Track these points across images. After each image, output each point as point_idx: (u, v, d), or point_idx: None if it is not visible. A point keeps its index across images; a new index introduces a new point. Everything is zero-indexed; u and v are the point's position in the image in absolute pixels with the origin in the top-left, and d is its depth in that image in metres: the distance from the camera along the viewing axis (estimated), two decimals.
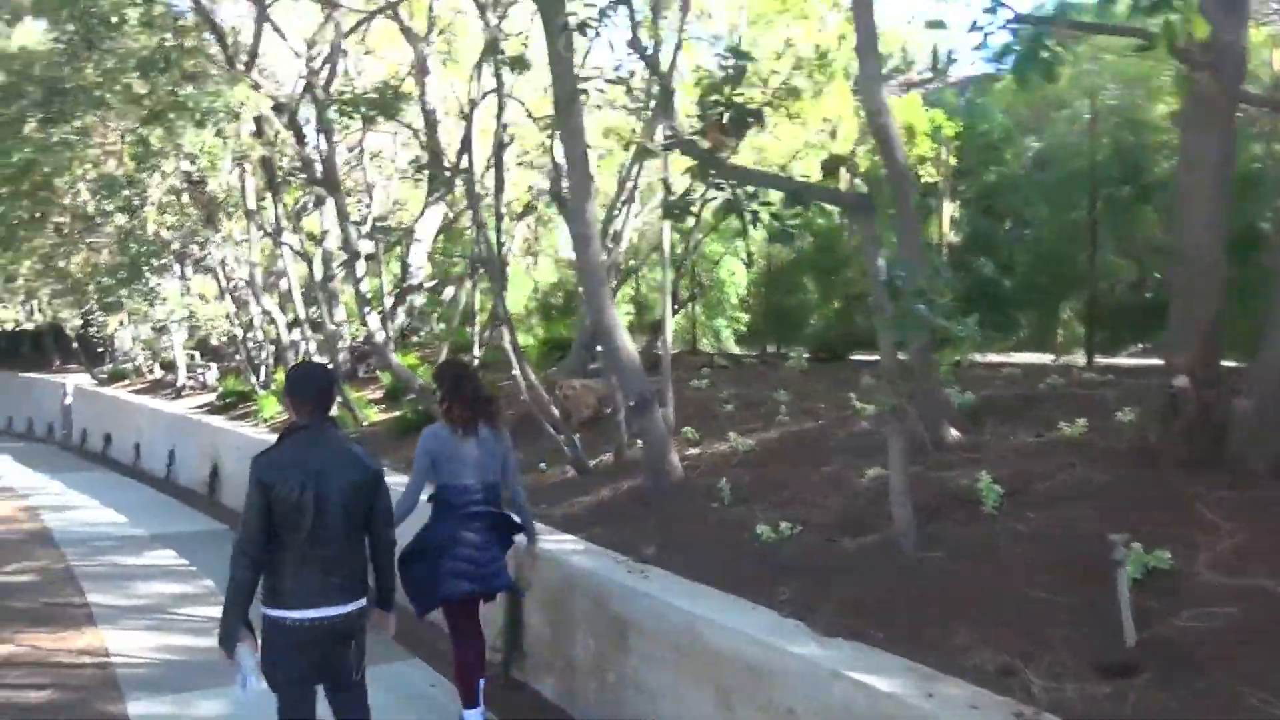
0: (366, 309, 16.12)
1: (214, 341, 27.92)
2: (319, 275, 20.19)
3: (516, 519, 8.60)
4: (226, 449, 20.11)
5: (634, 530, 9.62)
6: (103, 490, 22.16)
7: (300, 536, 6.47)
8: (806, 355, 15.22)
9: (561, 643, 9.09)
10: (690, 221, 14.19)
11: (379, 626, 6.99)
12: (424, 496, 8.39)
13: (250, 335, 25.00)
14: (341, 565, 6.57)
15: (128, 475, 25.01)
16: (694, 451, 11.27)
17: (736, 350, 18.10)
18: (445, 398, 8.30)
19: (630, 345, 10.69)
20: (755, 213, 7.49)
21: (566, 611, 9.01)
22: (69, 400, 34.95)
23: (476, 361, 18.46)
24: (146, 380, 32.42)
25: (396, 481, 12.66)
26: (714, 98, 7.41)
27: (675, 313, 17.39)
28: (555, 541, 9.68)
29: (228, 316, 25.39)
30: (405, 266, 22.71)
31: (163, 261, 24.60)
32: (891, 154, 8.50)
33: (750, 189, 8.02)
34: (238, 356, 25.69)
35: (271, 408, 20.68)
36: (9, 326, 41.17)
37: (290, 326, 22.08)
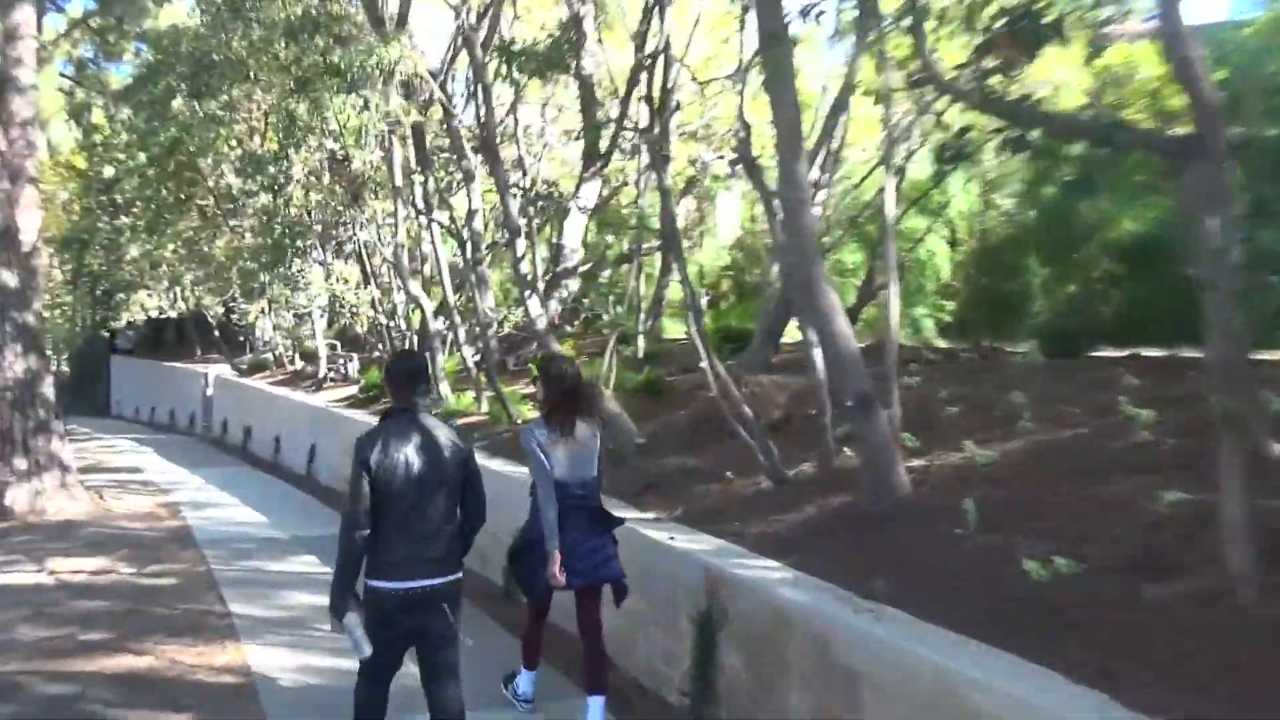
0: (528, 292, 14.42)
1: (358, 329, 25.91)
2: (468, 256, 18.54)
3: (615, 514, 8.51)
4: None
5: (853, 557, 7.86)
6: (243, 486, 21.09)
7: (399, 512, 6.86)
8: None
9: (769, 692, 7.51)
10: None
11: None
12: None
13: (393, 323, 23.42)
14: (436, 539, 6.97)
15: (267, 471, 23.83)
16: (918, 463, 9.24)
17: (939, 344, 15.69)
18: (547, 397, 8.35)
19: (849, 332, 8.84)
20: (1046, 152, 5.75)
21: (775, 654, 7.45)
22: (210, 391, 33.86)
23: (640, 353, 16.85)
24: (287, 371, 31.26)
25: (509, 471, 11.97)
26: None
27: (867, 302, 15.31)
28: (756, 568, 8.13)
29: (372, 303, 23.79)
30: (558, 249, 20.93)
31: (307, 244, 23.09)
32: (1198, 92, 6.60)
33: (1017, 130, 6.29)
34: (380, 346, 23.98)
35: None
36: (152, 314, 40.27)
37: (436, 313, 20.29)
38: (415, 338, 21.91)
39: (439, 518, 6.98)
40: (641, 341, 16.48)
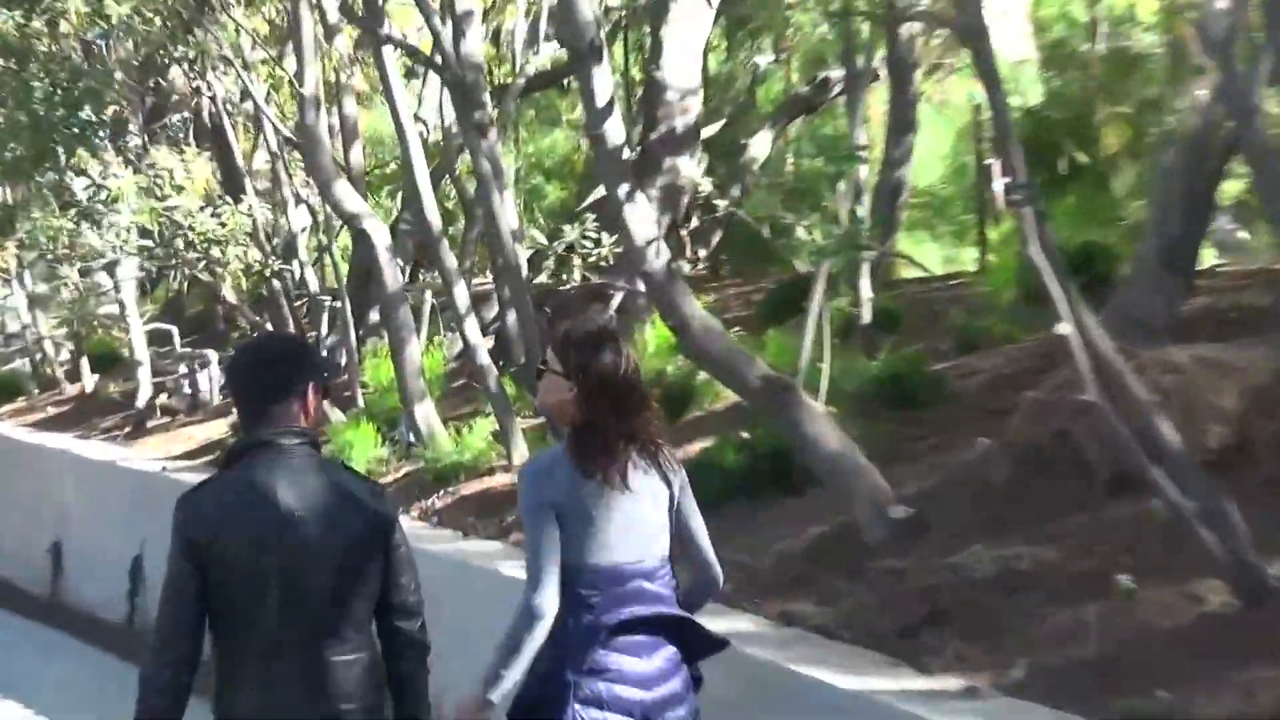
0: (621, 185, 6.89)
1: (222, 293, 14.77)
2: (465, 118, 10.10)
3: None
4: None
5: None
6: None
7: (260, 630, 4.23)
8: None
9: None
10: None
11: None
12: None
13: (289, 274, 14.23)
14: (325, 680, 4.23)
15: (33, 617, 13.10)
16: None
17: None
18: (575, 402, 4.67)
19: None
20: None
21: None
22: None
23: (865, 314, 9.69)
24: (65, 396, 17.96)
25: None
26: None
27: None
28: None
29: (251, 233, 13.47)
30: (653, 90, 12.04)
31: (101, 116, 13.66)
32: None
33: None
34: (269, 327, 14.16)
35: (364, 443, 10.63)
36: None
37: (393, 249, 12.08)
38: (346, 306, 13.13)
39: (330, 638, 4.26)
40: (866, 289, 9.48)
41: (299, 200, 14.54)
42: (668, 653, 4.87)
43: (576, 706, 4.66)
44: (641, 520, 4.88)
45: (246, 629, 4.30)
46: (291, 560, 4.30)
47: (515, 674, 4.63)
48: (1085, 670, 5.56)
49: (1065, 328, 5.57)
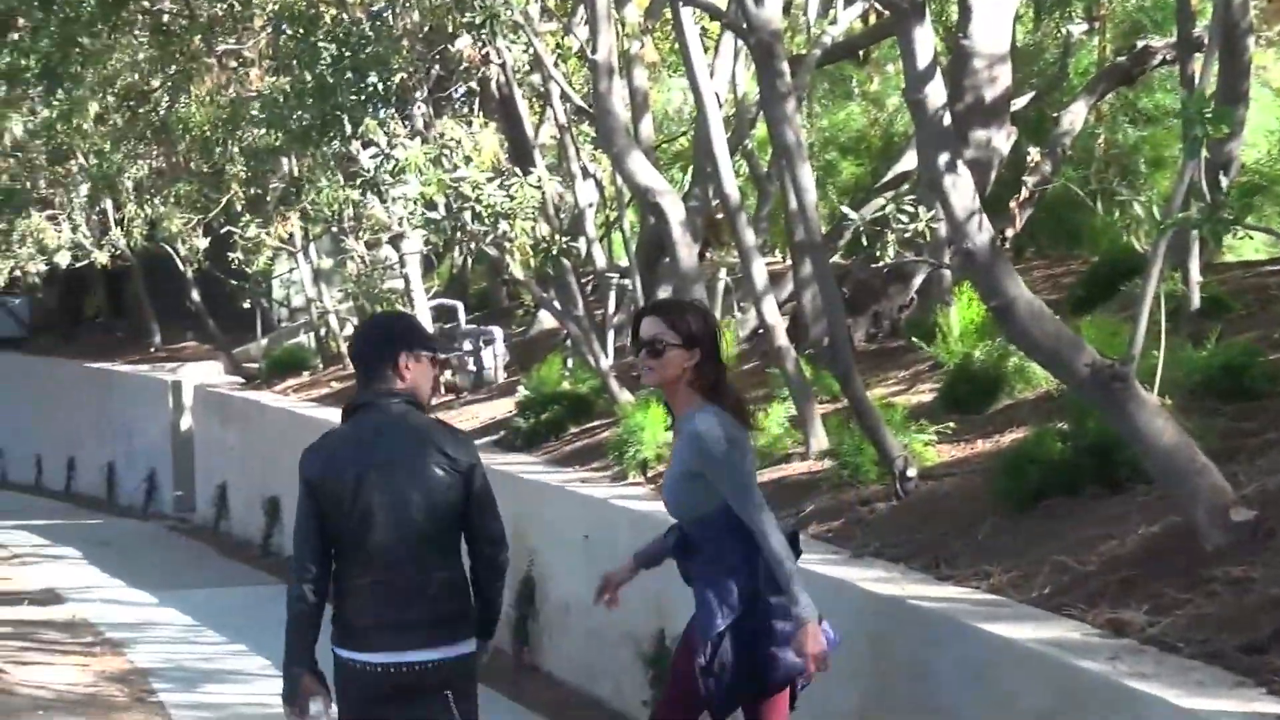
0: (941, 153, 6.30)
1: (507, 269, 13.77)
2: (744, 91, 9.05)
3: None
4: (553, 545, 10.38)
5: None
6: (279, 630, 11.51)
7: (363, 553, 5.39)
8: None
9: None
10: None
11: None
12: None
13: (576, 250, 13.72)
14: (423, 593, 5.38)
15: None
16: None
17: None
18: (708, 366, 5.61)
19: None
20: None
21: None
22: (187, 421, 20.68)
23: (1195, 300, 8.98)
24: (348, 370, 17.20)
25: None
26: None
27: None
28: None
29: (540, 206, 12.79)
30: (963, 56, 10.96)
31: (390, 79, 13.11)
32: None
33: None
34: (559, 303, 13.37)
35: (654, 426, 10.00)
36: (61, 261, 21.97)
37: (686, 225, 11.44)
38: (636, 284, 13.05)
39: (424, 561, 5.40)
40: (1195, 272, 8.91)
41: (587, 174, 14.29)
42: None
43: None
44: None
45: (356, 551, 5.36)
46: (389, 497, 5.36)
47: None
48: None
49: None
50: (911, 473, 7.91)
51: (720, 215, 12.62)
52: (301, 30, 13.56)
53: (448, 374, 15.74)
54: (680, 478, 5.67)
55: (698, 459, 5.55)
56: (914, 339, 10.41)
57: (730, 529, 5.57)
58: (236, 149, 17.70)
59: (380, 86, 12.86)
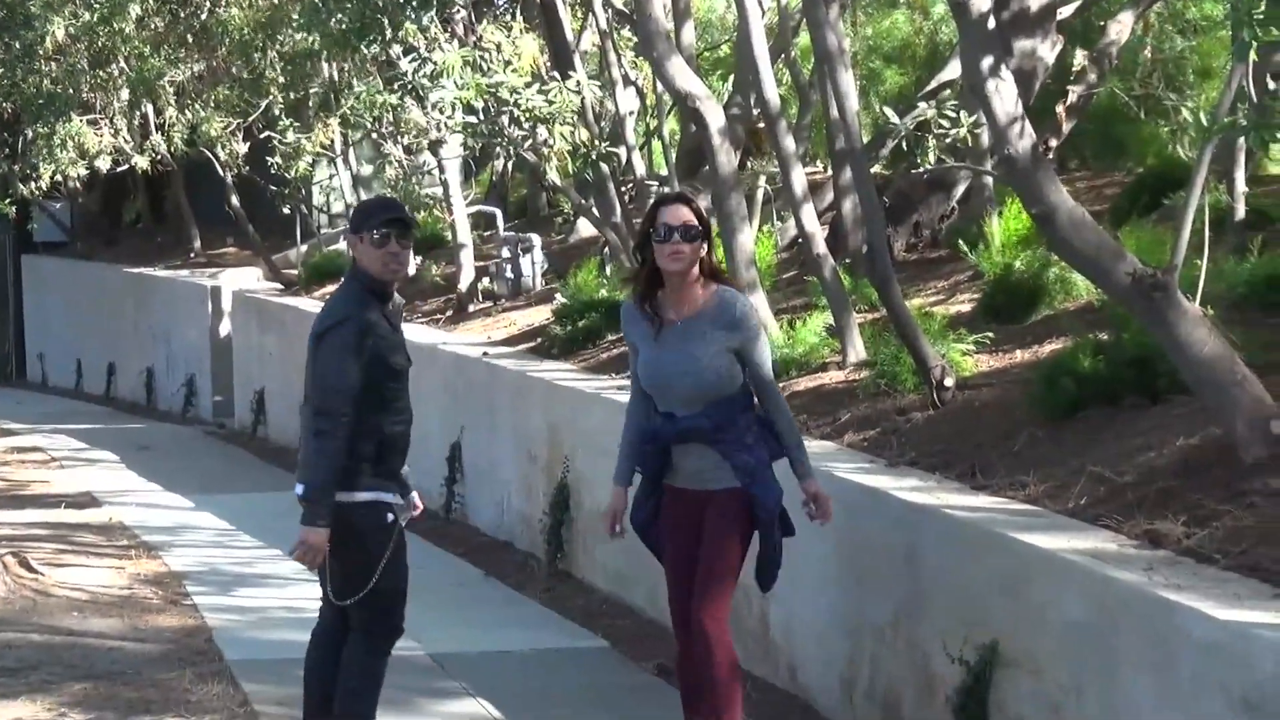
0: (990, 65, 6.01)
1: (546, 176, 13.83)
2: None
3: None
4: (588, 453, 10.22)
5: None
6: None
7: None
8: None
9: None
10: None
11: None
12: None
13: (616, 158, 13.34)
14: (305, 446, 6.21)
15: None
16: None
17: None
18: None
19: None
20: None
21: None
22: (226, 327, 20.33)
23: (1238, 212, 8.87)
24: None
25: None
26: None
27: None
28: None
29: (579, 112, 12.75)
30: None
31: None
32: None
33: None
34: (594, 211, 13.44)
35: None
36: (102, 166, 21.38)
37: (725, 132, 11.15)
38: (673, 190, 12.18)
39: (306, 420, 6.18)
40: (1241, 185, 8.75)
41: (628, 82, 14.11)
42: None
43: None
44: None
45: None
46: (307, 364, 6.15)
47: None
48: None
49: None
50: (949, 382, 7.83)
51: (761, 123, 12.41)
52: None
53: (485, 280, 15.68)
54: (716, 356, 5.97)
55: (738, 335, 5.98)
56: (956, 246, 10.29)
57: (745, 408, 6.13)
58: (275, 53, 17.59)
59: None
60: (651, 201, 6.97)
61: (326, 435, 5.97)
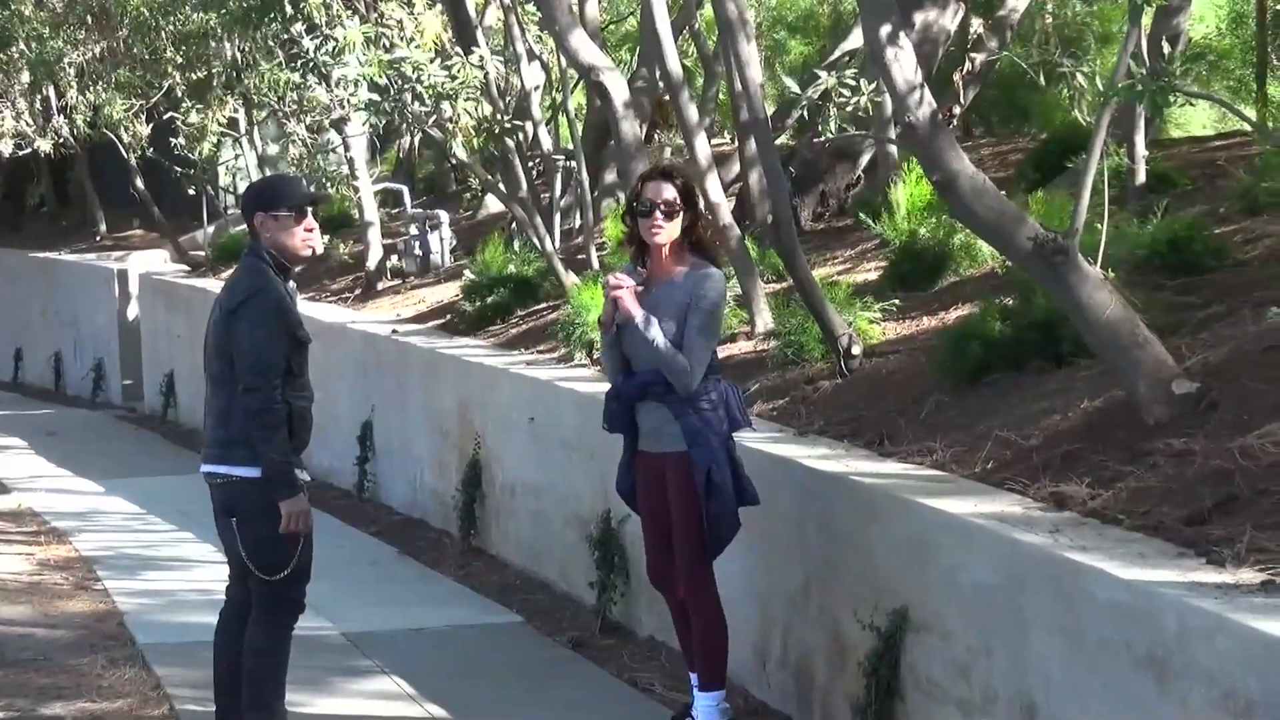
0: (889, 33, 6.04)
1: (452, 152, 13.50)
2: None
3: None
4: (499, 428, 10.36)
5: None
6: None
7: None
8: None
9: None
10: None
11: None
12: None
13: (522, 133, 13.51)
14: (210, 417, 6.36)
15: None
16: None
17: None
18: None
19: None
20: None
21: None
22: (133, 310, 20.26)
23: (1139, 175, 9.06)
24: None
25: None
26: None
27: None
28: None
29: (483, 88, 12.48)
30: None
31: None
32: None
33: None
34: (501, 187, 13.28)
35: (600, 306, 10.21)
36: (2, 150, 21.26)
37: (630, 104, 10.93)
38: (582, 166, 12.82)
39: (213, 393, 6.35)
40: (1141, 146, 8.85)
41: (532, 56, 14.06)
42: None
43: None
44: None
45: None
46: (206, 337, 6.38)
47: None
48: None
49: None
50: (856, 350, 7.87)
51: (666, 96, 12.43)
52: None
53: (394, 258, 15.59)
54: (665, 321, 6.27)
55: (690, 304, 6.27)
56: (860, 216, 10.33)
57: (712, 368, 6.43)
58: (173, 32, 17.40)
59: None
60: (639, 174, 7.07)
61: (268, 411, 6.04)
